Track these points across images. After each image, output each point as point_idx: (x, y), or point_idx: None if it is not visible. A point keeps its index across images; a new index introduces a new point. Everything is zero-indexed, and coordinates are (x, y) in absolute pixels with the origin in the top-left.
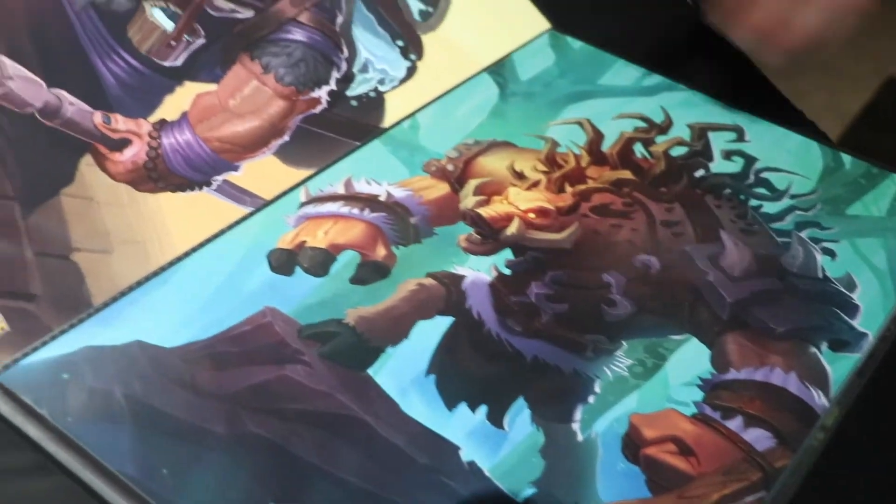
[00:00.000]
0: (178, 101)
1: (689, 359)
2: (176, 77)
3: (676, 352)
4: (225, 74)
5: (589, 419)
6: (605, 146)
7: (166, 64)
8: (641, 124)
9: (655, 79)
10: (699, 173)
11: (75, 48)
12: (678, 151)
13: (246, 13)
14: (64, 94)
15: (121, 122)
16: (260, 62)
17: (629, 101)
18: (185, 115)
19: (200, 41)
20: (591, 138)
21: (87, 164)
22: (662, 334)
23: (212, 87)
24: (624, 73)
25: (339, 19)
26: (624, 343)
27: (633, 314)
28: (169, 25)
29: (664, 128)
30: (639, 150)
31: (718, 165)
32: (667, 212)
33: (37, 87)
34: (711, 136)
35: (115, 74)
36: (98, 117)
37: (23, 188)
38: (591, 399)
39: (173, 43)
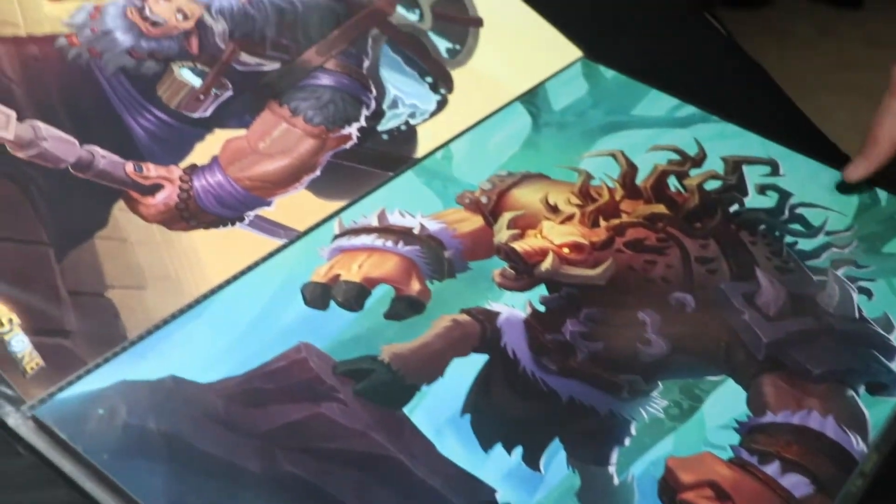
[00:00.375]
0: (209, 147)
1: (726, 400)
2: (205, 126)
3: (712, 393)
4: (254, 120)
5: (625, 462)
6: (639, 179)
7: (195, 115)
8: (675, 157)
9: (689, 109)
10: (734, 208)
11: (107, 109)
12: (712, 185)
13: (272, 65)
14: (96, 149)
15: (152, 170)
16: (288, 107)
17: (663, 133)
18: (215, 159)
19: (228, 93)
20: (625, 171)
21: (119, 208)
22: (698, 375)
23: (241, 132)
24: (657, 103)
25: (366, 63)
26: (660, 384)
27: (668, 354)
28: (196, 82)
29: (698, 160)
30: (672, 183)
31: (753, 200)
32: (701, 248)
33: (70, 145)
34: (746, 169)
35: (145, 129)
36: (130, 167)
37: (57, 234)
38: (627, 441)
39: (201, 97)
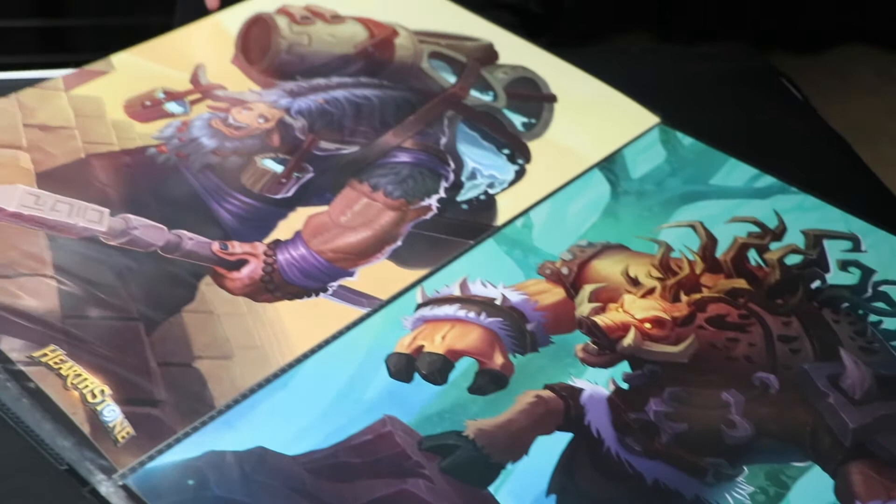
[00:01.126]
0: (291, 223)
1: (813, 489)
2: (288, 205)
3: (799, 480)
4: (335, 197)
5: None
6: (719, 252)
7: (278, 197)
8: (755, 229)
9: (768, 180)
10: (815, 284)
11: (193, 198)
12: (793, 260)
13: (351, 149)
14: (184, 232)
15: (237, 247)
16: (368, 183)
17: (742, 204)
18: (298, 234)
19: (309, 175)
20: (705, 243)
21: (206, 283)
22: (784, 460)
23: (323, 208)
24: (736, 172)
25: (443, 140)
26: (745, 468)
27: (752, 437)
28: (278, 169)
29: (778, 234)
30: (752, 256)
31: (835, 276)
32: (784, 326)
33: (159, 230)
34: (826, 244)
35: (230, 212)
36: (216, 246)
37: (146, 310)
38: None
39: (283, 180)
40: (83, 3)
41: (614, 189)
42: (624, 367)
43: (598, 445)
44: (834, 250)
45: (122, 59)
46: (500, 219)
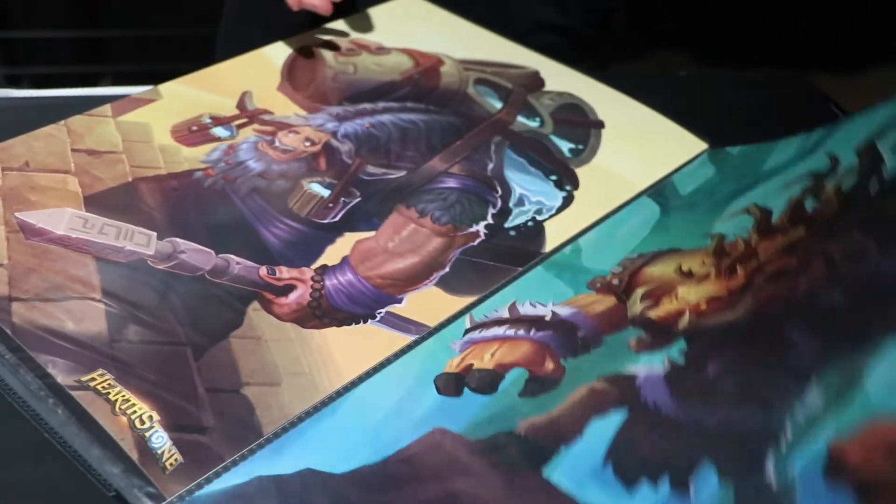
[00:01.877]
0: (339, 249)
1: (891, 363)
2: (335, 230)
3: (872, 363)
4: (382, 223)
5: (782, 464)
6: (774, 218)
7: (325, 221)
8: (808, 183)
9: (817, 134)
10: (875, 189)
11: (241, 223)
12: (850, 183)
13: (397, 174)
14: (231, 257)
15: (285, 272)
16: (416, 209)
17: (795, 169)
18: (345, 259)
19: (357, 200)
20: (759, 217)
21: (254, 309)
22: (856, 356)
23: (370, 234)
24: (786, 148)
25: (490, 166)
26: (813, 377)
27: (820, 354)
28: (325, 193)
29: (832, 172)
30: (810, 205)
31: (891, 162)
32: (846, 244)
33: (206, 255)
34: (879, 143)
35: (277, 236)
36: (263, 270)
37: (193, 335)
38: (782, 442)
39: (331, 205)
40: (120, 14)
41: (664, 208)
42: (680, 345)
43: (654, 413)
44: (887, 143)
45: (169, 88)
46: (549, 245)
